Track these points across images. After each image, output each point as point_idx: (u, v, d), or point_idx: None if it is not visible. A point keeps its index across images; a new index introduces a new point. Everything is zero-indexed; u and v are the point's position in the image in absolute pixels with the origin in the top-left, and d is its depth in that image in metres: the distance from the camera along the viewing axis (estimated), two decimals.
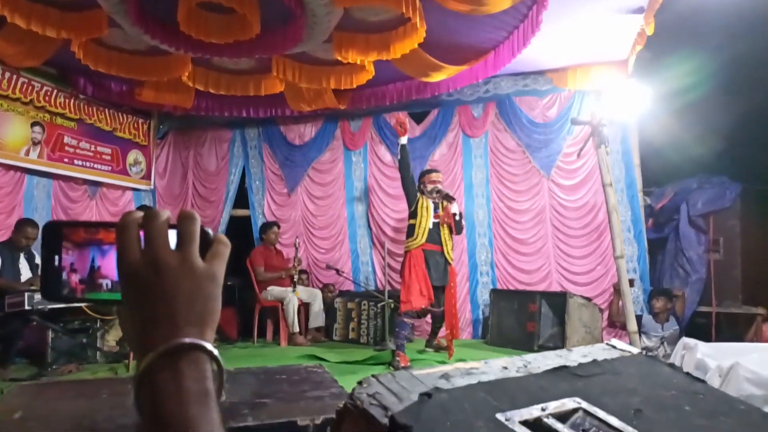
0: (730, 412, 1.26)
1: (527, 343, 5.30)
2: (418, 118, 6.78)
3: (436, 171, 5.30)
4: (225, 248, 0.58)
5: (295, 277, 6.05)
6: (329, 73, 5.44)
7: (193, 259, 0.54)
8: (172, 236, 0.55)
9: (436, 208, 4.99)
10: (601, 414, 1.10)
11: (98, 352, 4.87)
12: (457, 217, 4.96)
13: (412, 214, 5.04)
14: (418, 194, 5.08)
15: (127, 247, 0.54)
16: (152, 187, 7.11)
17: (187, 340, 0.51)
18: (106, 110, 6.42)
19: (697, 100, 5.63)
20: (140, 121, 6.90)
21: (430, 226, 4.93)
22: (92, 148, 6.26)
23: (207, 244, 0.57)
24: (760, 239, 5.99)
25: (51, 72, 5.70)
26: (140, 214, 0.56)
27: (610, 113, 4.97)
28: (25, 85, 5.47)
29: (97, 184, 6.45)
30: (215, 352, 0.53)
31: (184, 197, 7.43)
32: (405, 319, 4.79)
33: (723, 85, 5.69)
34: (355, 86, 5.52)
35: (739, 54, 5.49)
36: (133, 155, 6.83)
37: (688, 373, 1.44)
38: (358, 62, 4.96)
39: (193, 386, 0.50)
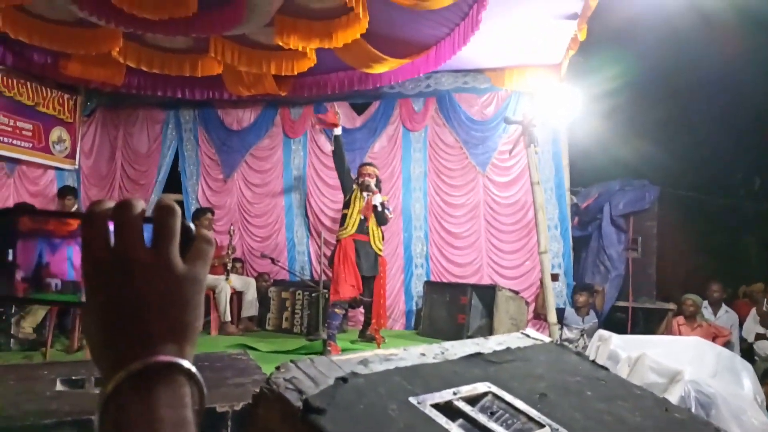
0: (628, 396, 1.36)
1: (457, 334, 5.44)
2: (359, 110, 6.79)
3: (371, 164, 5.39)
4: (209, 247, 0.50)
5: (229, 265, 5.93)
6: (270, 57, 5.34)
7: (172, 258, 0.46)
8: (147, 232, 0.47)
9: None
10: (509, 398, 1.16)
11: (12, 340, 4.60)
12: (379, 209, 5.07)
13: (346, 204, 5.14)
14: (354, 186, 5.16)
15: (94, 243, 0.46)
16: (77, 166, 6.74)
17: (163, 358, 0.44)
18: (29, 83, 6.02)
19: (621, 105, 5.96)
20: (66, 96, 6.51)
21: (361, 216, 5.03)
22: (11, 123, 5.85)
23: (188, 241, 0.48)
24: (674, 240, 6.44)
25: None
26: (110, 204, 0.47)
27: (543, 115, 5.16)
28: None
29: (16, 161, 6.05)
30: (196, 373, 0.45)
31: (111, 179, 7.11)
32: (335, 310, 4.84)
33: (646, 91, 6.05)
34: (296, 73, 5.46)
35: (663, 61, 5.86)
36: (57, 132, 6.44)
37: (593, 361, 1.54)
38: (300, 49, 4.90)
39: (168, 415, 0.42)
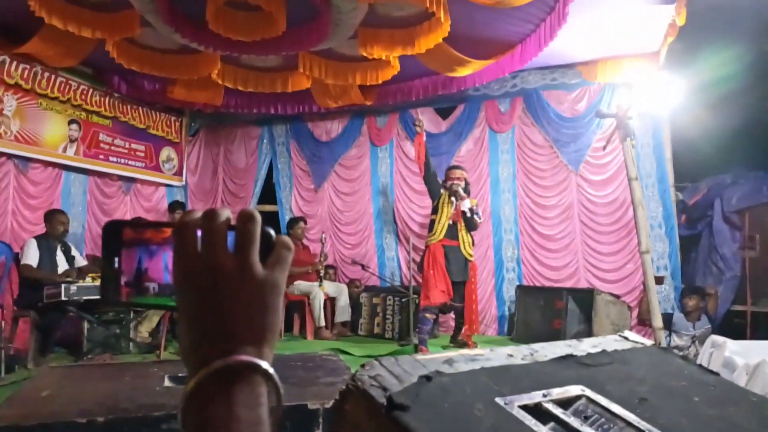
0: (741, 402, 1.24)
1: (553, 340, 5.23)
2: (444, 114, 6.77)
3: (459, 168, 5.34)
4: (288, 253, 0.52)
5: (322, 272, 6.12)
6: (355, 69, 5.48)
7: (253, 264, 0.49)
8: (232, 239, 0.49)
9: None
10: (604, 401, 1.09)
11: (131, 343, 5.03)
12: (468, 214, 5.00)
13: (434, 209, 5.12)
14: (442, 190, 5.13)
15: (184, 250, 0.49)
16: (184, 183, 7.29)
17: (243, 358, 0.46)
18: (140, 108, 6.61)
19: (731, 92, 5.46)
20: (172, 118, 7.08)
21: (450, 222, 4.99)
22: (126, 145, 6.45)
23: (269, 247, 0.51)
24: None
25: (87, 71, 5.90)
26: (199, 214, 0.50)
27: (640, 106, 4.86)
28: (63, 84, 5.68)
29: (131, 180, 6.66)
30: (273, 372, 0.47)
31: (214, 193, 7.60)
32: (426, 315, 4.82)
33: (759, 75, 5.50)
34: (380, 82, 5.55)
35: None
36: (166, 152, 7.01)
37: (701, 366, 1.42)
38: (383, 58, 4.98)
39: (246, 414, 0.44)
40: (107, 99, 6.18)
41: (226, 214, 0.50)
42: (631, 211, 5.77)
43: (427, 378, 1.02)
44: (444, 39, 4.60)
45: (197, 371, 0.46)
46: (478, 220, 5.18)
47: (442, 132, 6.69)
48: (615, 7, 4.64)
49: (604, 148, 5.09)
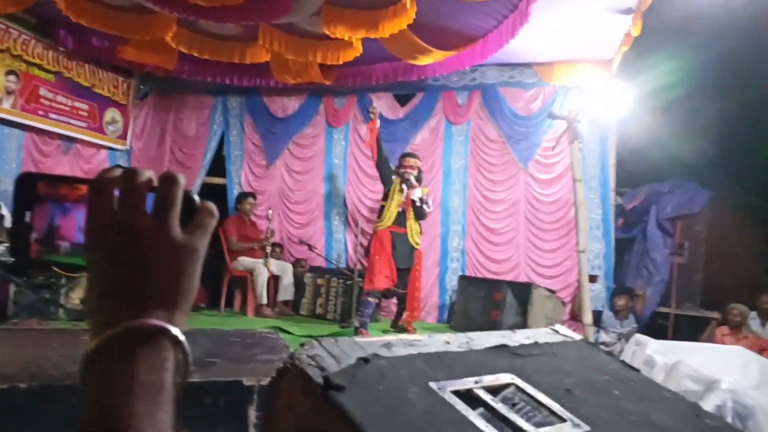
0: (657, 397, 1.33)
1: (490, 330, 5.40)
2: (402, 101, 6.78)
3: (413, 156, 5.37)
4: (211, 219, 0.51)
5: (268, 249, 6.06)
6: (316, 47, 5.39)
7: (171, 227, 0.47)
8: (152, 201, 0.48)
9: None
10: (532, 390, 1.15)
11: (61, 309, 4.83)
12: (417, 203, 5.06)
13: (385, 195, 5.15)
14: (394, 177, 5.17)
15: (98, 207, 0.47)
16: (128, 147, 7.00)
17: (151, 321, 0.45)
18: (86, 65, 6.27)
19: (675, 104, 5.73)
20: (120, 79, 6.76)
21: (399, 209, 5.05)
22: (69, 103, 6.12)
23: (191, 212, 0.50)
24: (724, 247, 6.17)
25: (30, 21, 5.53)
26: (118, 172, 0.49)
27: (591, 111, 5.03)
28: (2, 32, 5.31)
29: (72, 140, 6.33)
30: (183, 339, 0.46)
31: (160, 161, 7.34)
32: (368, 298, 4.88)
33: (703, 90, 5.79)
34: (341, 62, 5.49)
35: (723, 59, 5.59)
36: (111, 113, 6.70)
37: (623, 362, 1.51)
38: (346, 38, 4.93)
39: (147, 378, 0.43)
40: (51, 52, 5.83)
41: (148, 174, 0.48)
42: (572, 211, 5.99)
43: (365, 360, 1.04)
44: (408, 26, 4.59)
45: (102, 330, 0.44)
46: (427, 210, 5.23)
47: (399, 119, 6.70)
48: (575, 12, 4.76)
49: (553, 148, 5.26)
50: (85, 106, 6.32)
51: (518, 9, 4.59)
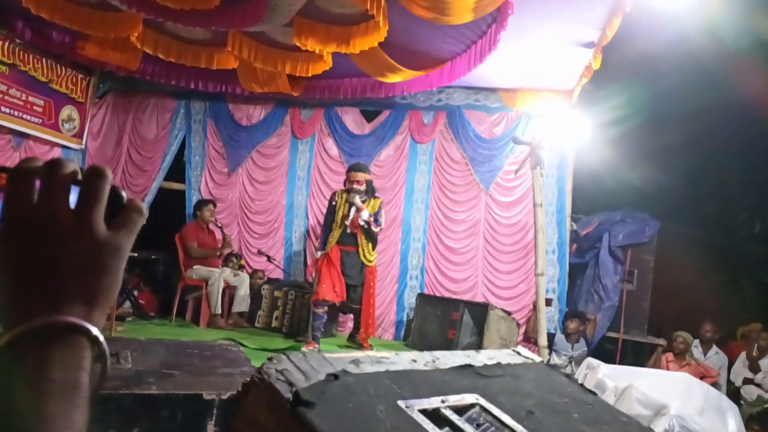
0: (613, 422, 1.36)
1: (446, 349, 5.43)
2: (369, 117, 6.82)
3: (360, 170, 5.14)
4: (139, 217, 0.49)
5: (232, 257, 6.04)
6: (286, 57, 5.37)
7: (94, 222, 0.46)
8: (76, 195, 0.46)
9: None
10: (496, 411, 1.16)
11: None
12: (365, 226, 4.92)
13: (331, 211, 5.15)
14: (339, 192, 5.17)
15: (16, 197, 0.45)
16: (83, 147, 6.75)
17: (67, 318, 0.43)
18: (44, 60, 6.04)
19: (630, 135, 5.99)
20: (80, 76, 6.54)
21: (348, 231, 4.99)
22: (23, 97, 5.87)
23: (118, 209, 0.48)
24: (670, 276, 6.43)
25: None
26: (41, 162, 0.46)
27: (551, 138, 5.19)
28: None
29: (24, 135, 6.06)
30: (101, 337, 0.44)
31: (116, 162, 7.12)
32: (317, 310, 4.86)
33: (655, 125, 6.09)
34: (310, 75, 5.49)
35: (675, 95, 5.90)
36: (67, 111, 6.46)
37: (581, 385, 1.54)
38: (317, 51, 4.93)
39: (60, 376, 0.41)
40: (6, 44, 5.59)
41: (73, 167, 0.47)
42: (530, 234, 6.15)
43: (335, 376, 1.03)
44: (379, 43, 4.64)
45: (14, 326, 0.42)
46: (376, 229, 5.00)
47: (365, 134, 6.74)
48: (541, 43, 4.93)
49: (516, 172, 5.38)
50: (40, 102, 6.08)
51: (487, 35, 4.72)
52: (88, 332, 0.44)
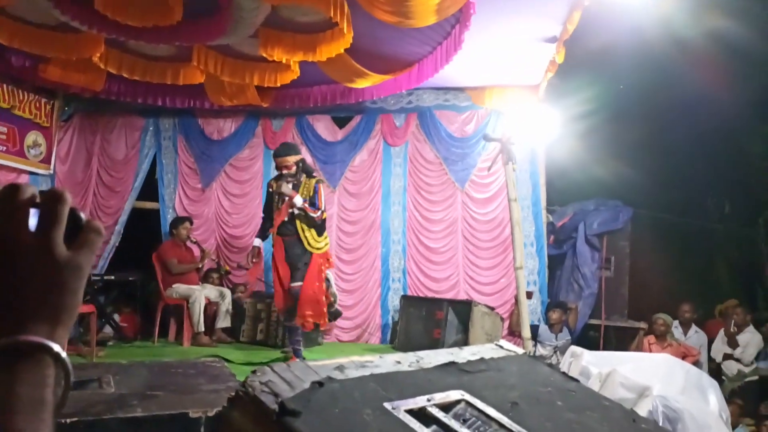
0: (596, 407, 1.39)
1: (433, 349, 5.45)
2: (341, 123, 6.83)
3: (288, 152, 4.66)
4: (97, 237, 0.51)
5: (212, 273, 5.97)
6: (253, 68, 5.35)
7: (55, 244, 0.47)
8: (36, 217, 0.48)
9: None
10: (481, 405, 1.18)
11: None
12: (301, 213, 4.50)
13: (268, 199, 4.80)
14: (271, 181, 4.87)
15: None
16: (52, 172, 6.61)
17: (32, 338, 0.45)
18: (5, 86, 5.90)
19: (598, 127, 6.11)
20: (43, 100, 6.41)
21: (286, 219, 4.56)
22: None
23: (76, 230, 0.50)
24: (646, 260, 6.57)
25: None
26: None
27: (521, 134, 5.27)
28: None
29: None
30: (64, 355, 0.46)
31: (86, 185, 6.98)
32: (285, 324, 4.73)
33: (622, 113, 6.23)
34: (279, 85, 5.47)
35: (639, 84, 6.05)
36: (33, 137, 6.32)
37: (564, 373, 1.57)
38: (284, 61, 4.93)
39: (27, 393, 0.43)
40: None
41: (31, 190, 0.49)
42: (507, 229, 6.21)
43: (319, 384, 1.04)
44: (346, 50, 4.65)
45: None
46: (314, 214, 4.50)
47: (338, 141, 6.75)
48: (504, 40, 5.01)
49: (489, 169, 5.44)
50: (3, 129, 5.93)
51: (452, 36, 4.77)
52: (51, 351, 0.46)
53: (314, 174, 4.88)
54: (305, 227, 4.56)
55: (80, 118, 7.01)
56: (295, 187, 4.58)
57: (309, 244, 4.56)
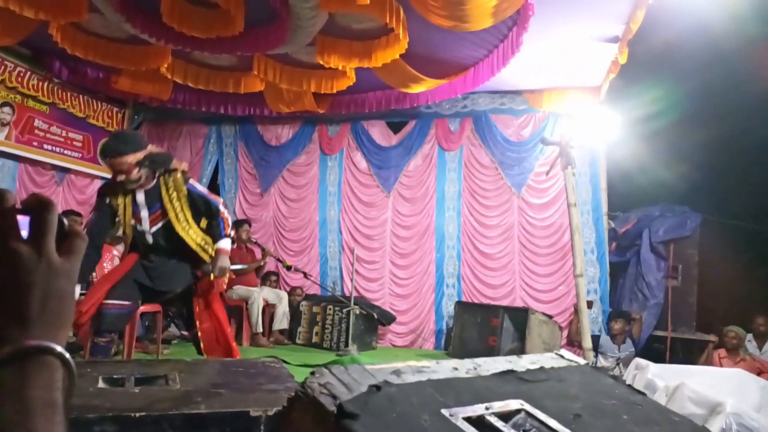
0: (665, 422, 1.32)
1: (488, 356, 5.36)
2: (395, 128, 6.86)
3: (120, 153, 2.90)
4: (82, 243, 0.52)
5: (270, 276, 6.11)
6: (310, 76, 5.47)
7: (50, 252, 0.49)
8: (23, 223, 0.49)
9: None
10: (542, 416, 1.14)
11: None
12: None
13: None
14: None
15: None
16: None
17: (38, 342, 0.46)
18: (81, 96, 6.31)
19: (663, 129, 5.84)
20: (115, 109, 6.80)
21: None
22: (63, 134, 6.14)
23: (62, 236, 0.51)
24: (717, 269, 6.21)
25: (25, 53, 5.59)
26: None
27: (581, 137, 5.11)
28: None
29: (66, 170, 6.33)
30: (68, 356, 0.48)
31: None
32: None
33: (690, 114, 5.92)
34: (335, 91, 5.56)
35: (708, 84, 5.73)
36: None
37: (629, 385, 1.51)
38: (340, 68, 5.00)
39: (40, 395, 0.45)
40: (46, 84, 5.86)
41: (11, 197, 0.49)
42: (566, 235, 6.03)
43: (377, 387, 1.04)
44: (401, 55, 4.68)
45: None
46: (227, 230, 3.40)
47: (393, 146, 6.78)
48: (563, 41, 4.88)
49: (547, 173, 5.31)
50: (79, 137, 6.33)
51: (509, 38, 4.70)
52: (57, 353, 0.47)
53: (172, 163, 3.18)
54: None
55: (148, 126, 7.38)
56: (152, 197, 3.11)
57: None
